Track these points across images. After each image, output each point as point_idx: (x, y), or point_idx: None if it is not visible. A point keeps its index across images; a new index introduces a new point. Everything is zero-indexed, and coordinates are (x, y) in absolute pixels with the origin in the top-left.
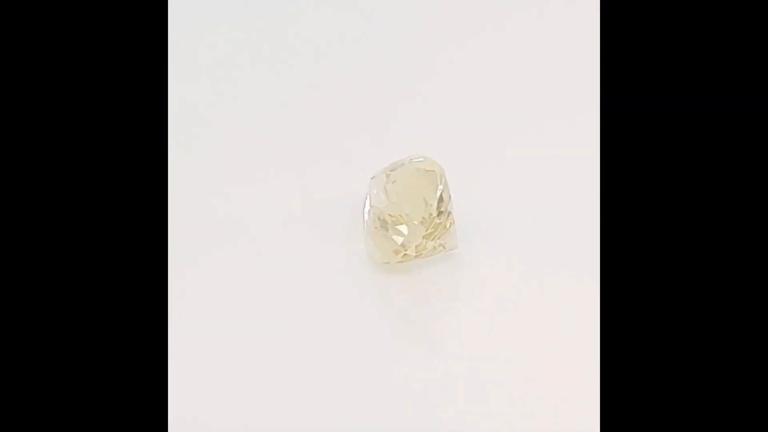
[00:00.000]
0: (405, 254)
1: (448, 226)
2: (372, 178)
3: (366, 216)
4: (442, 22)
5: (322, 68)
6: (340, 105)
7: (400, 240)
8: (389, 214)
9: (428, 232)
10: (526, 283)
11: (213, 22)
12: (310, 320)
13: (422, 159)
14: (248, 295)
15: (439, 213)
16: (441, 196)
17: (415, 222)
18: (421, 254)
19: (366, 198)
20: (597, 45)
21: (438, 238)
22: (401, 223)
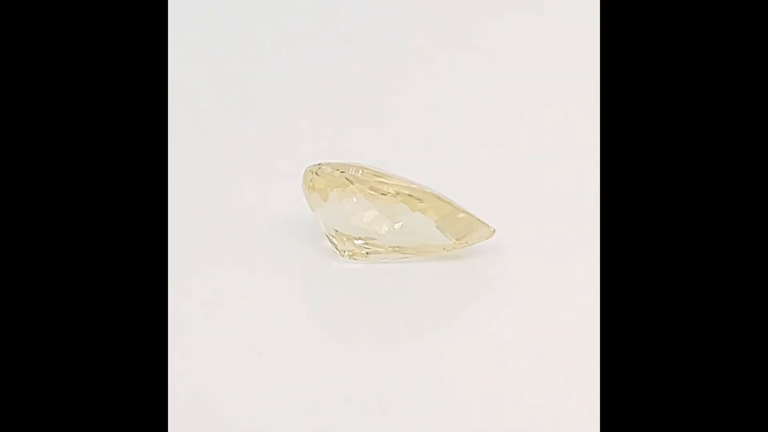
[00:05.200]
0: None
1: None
2: None
3: None
4: (440, 20)
5: (321, 71)
6: (335, 108)
7: None
8: None
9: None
10: (524, 280)
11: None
12: (308, 319)
13: None
14: (246, 295)
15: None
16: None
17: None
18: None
19: None
20: (597, 43)
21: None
22: None
